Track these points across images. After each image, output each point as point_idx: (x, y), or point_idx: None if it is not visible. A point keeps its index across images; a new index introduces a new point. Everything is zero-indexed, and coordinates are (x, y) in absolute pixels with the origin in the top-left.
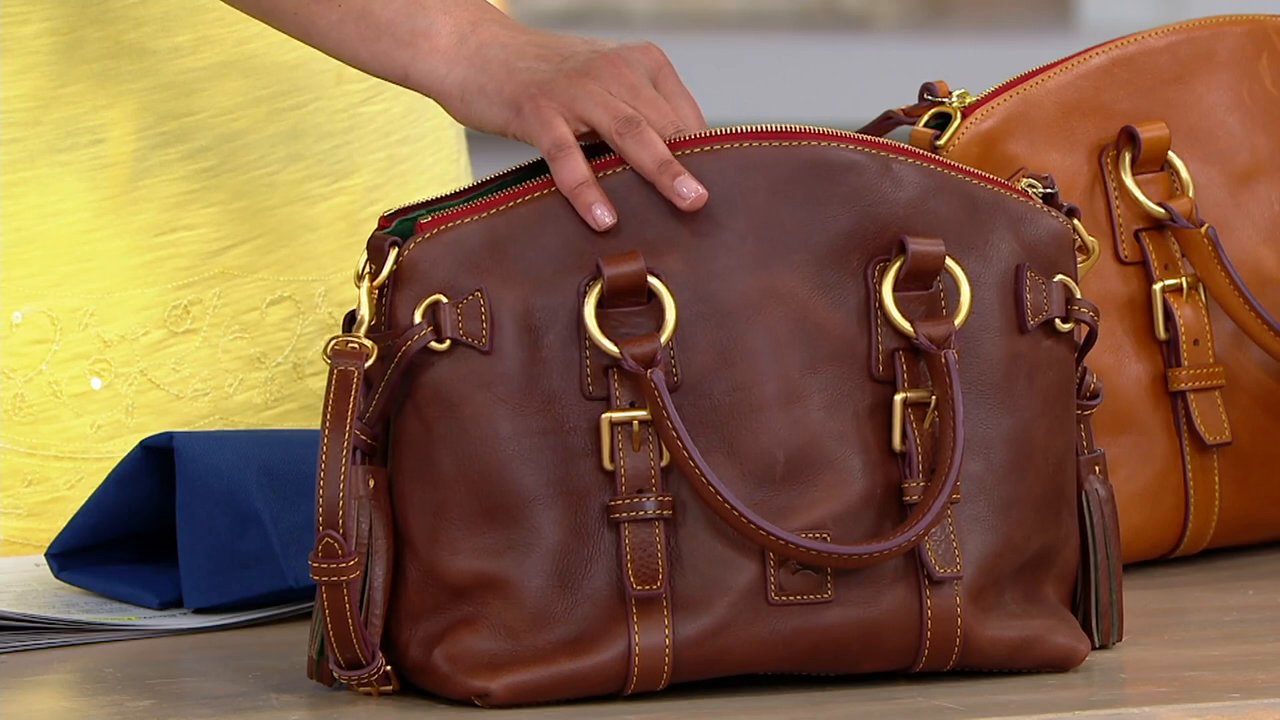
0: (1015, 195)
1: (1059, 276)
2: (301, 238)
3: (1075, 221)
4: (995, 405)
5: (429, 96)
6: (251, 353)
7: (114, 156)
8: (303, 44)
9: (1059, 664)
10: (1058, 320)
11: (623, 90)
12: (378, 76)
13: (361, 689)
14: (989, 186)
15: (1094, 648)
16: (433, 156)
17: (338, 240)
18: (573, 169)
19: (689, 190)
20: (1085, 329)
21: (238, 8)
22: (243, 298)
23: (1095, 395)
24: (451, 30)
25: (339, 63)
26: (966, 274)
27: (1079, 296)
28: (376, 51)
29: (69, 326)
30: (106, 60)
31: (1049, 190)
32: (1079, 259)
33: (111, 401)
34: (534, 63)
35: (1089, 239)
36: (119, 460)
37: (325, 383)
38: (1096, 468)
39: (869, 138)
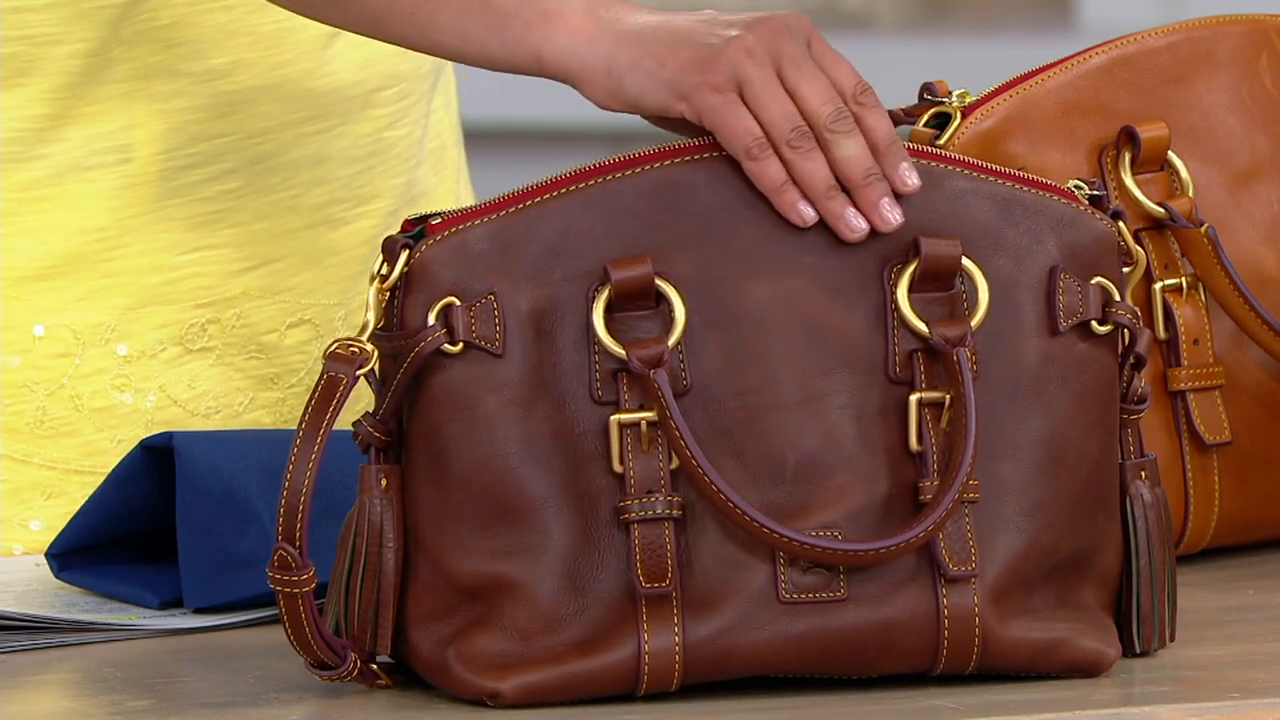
0: (1060, 198)
1: (1097, 279)
2: (324, 261)
3: (1120, 224)
4: (1026, 406)
5: (561, 79)
6: (266, 373)
7: (141, 175)
8: (341, 66)
9: (1085, 668)
10: (1094, 323)
11: (789, 67)
12: (503, 69)
13: (350, 681)
14: (1030, 190)
15: (1136, 654)
16: (445, 181)
17: (359, 264)
18: (777, 171)
19: (892, 216)
20: (1127, 332)
21: (340, 25)
22: (263, 319)
23: (1142, 400)
24: (583, 9)
25: (367, 90)
26: (986, 275)
27: (1118, 299)
28: (506, 39)
29: (91, 341)
30: (137, 81)
31: (1096, 193)
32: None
33: (133, 416)
34: (693, 36)
35: (1135, 248)
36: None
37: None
38: (1143, 472)
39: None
